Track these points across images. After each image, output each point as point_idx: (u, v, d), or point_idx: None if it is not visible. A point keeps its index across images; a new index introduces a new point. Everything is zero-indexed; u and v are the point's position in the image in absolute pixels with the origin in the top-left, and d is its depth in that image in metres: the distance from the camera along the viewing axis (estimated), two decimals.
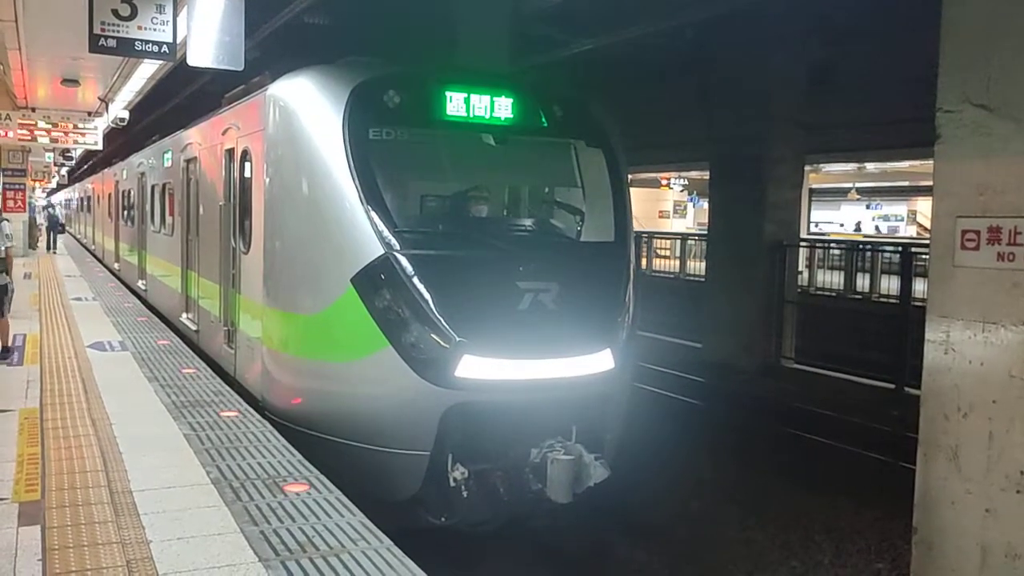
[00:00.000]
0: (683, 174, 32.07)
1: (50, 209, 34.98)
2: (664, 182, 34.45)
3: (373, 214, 6.09)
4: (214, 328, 8.94)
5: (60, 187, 50.52)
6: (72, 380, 7.36)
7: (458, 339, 5.85)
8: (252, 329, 7.45)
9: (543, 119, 7.10)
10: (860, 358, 11.77)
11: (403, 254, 6.04)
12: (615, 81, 14.61)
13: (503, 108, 6.79)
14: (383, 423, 6.02)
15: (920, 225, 39.77)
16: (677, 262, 22.43)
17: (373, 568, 3.73)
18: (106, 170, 23.03)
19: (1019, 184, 4.85)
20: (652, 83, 16.34)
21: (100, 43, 7.36)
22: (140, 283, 15.12)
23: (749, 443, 9.80)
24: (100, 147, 19.47)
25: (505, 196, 7.88)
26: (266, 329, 7.04)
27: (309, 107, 6.58)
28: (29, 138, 17.78)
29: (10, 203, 22.35)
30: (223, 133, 8.66)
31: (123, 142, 23.90)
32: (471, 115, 6.69)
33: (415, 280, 6.00)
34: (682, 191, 36.50)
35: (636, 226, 7.93)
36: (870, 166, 27.84)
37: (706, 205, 17.55)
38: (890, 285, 15.80)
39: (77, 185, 37.44)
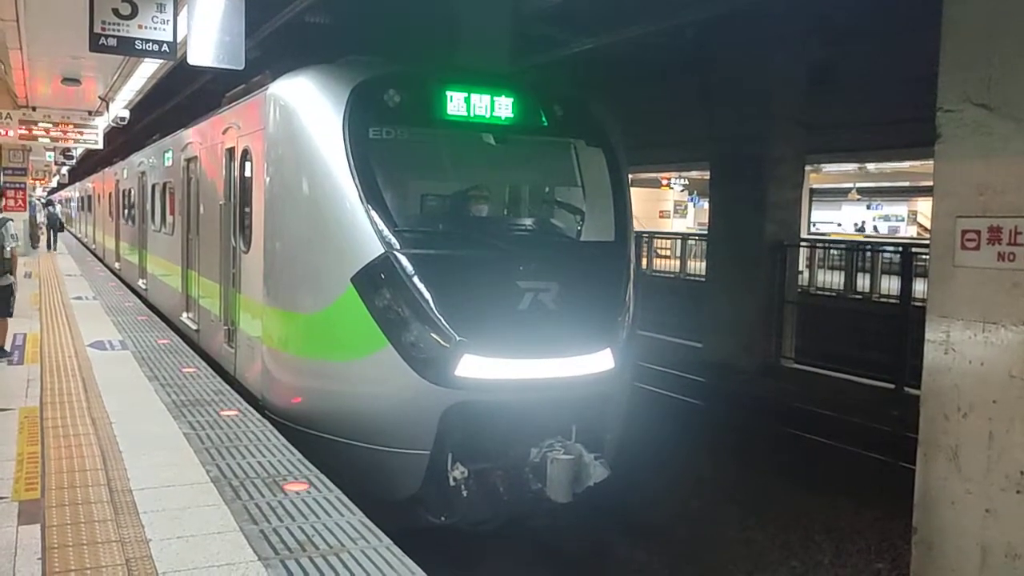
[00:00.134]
0: (684, 174, 32.07)
1: (50, 208, 34.97)
2: (665, 182, 34.46)
3: (373, 213, 6.09)
4: (214, 327, 8.94)
5: (61, 186, 50.52)
6: (72, 379, 7.36)
7: (458, 338, 5.85)
8: (252, 328, 7.45)
9: (543, 118, 7.10)
10: (860, 358, 11.77)
11: (403, 253, 6.04)
12: (616, 80, 14.61)
13: (503, 107, 6.78)
14: (383, 422, 6.02)
15: (920, 225, 39.77)
16: (677, 262, 22.43)
17: (373, 567, 3.72)
18: (106, 169, 23.04)
19: (1019, 184, 4.85)
20: (653, 82, 16.34)
21: (100, 42, 7.35)
22: (140, 282, 15.12)
23: (749, 443, 9.80)
24: (101, 146, 19.46)
25: (505, 195, 7.87)
26: (266, 328, 7.04)
27: (309, 106, 6.57)
28: (29, 137, 17.78)
29: (10, 202, 22.31)
30: (223, 132, 8.66)
31: (124, 141, 23.91)
32: (471, 114, 6.68)
33: (415, 279, 6.00)
34: (683, 191, 36.49)
35: (636, 226, 7.93)
36: (871, 166, 27.84)
37: (706, 205, 17.55)
38: (890, 285, 15.81)
39: (78, 184, 37.45)
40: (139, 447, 5.37)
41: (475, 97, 6.67)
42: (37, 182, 37.36)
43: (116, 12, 7.33)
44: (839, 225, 44.37)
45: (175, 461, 5.12)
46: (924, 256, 9.78)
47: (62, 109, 17.49)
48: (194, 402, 6.62)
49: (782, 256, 12.80)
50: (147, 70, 12.66)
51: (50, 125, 17.68)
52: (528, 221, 7.53)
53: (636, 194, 9.63)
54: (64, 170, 37.49)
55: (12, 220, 8.84)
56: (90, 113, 17.58)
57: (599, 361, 6.35)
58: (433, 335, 5.89)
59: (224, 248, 8.49)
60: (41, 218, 30.38)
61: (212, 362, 8.59)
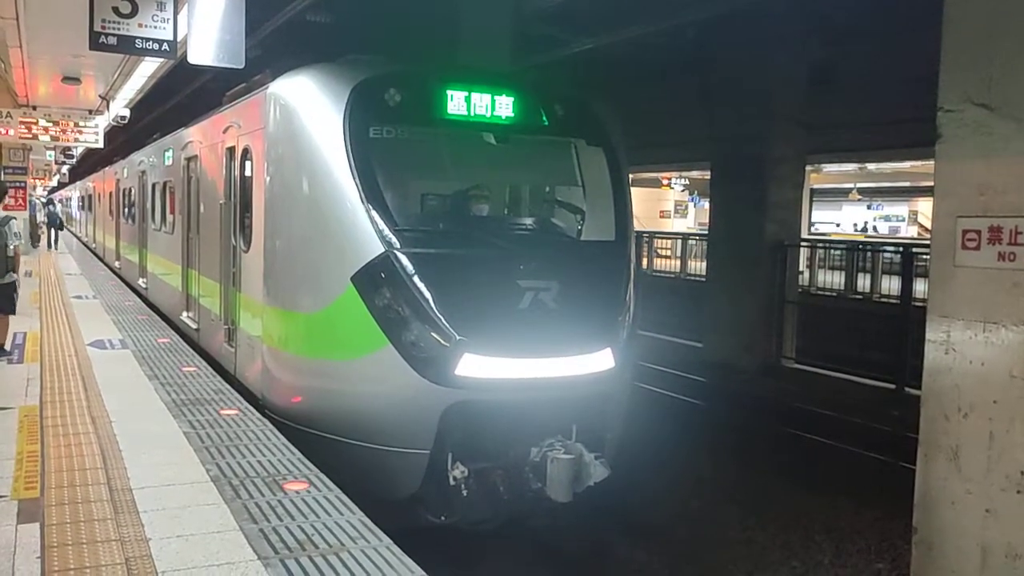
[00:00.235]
0: (684, 174, 32.07)
1: (50, 207, 34.94)
2: (665, 182, 34.46)
3: (373, 212, 6.09)
4: (214, 326, 8.94)
5: (61, 185, 50.52)
6: (72, 378, 7.35)
7: (458, 338, 5.85)
8: (252, 327, 7.45)
9: (544, 118, 7.09)
10: (861, 358, 11.75)
11: (403, 252, 6.04)
12: (616, 80, 14.59)
13: (504, 107, 6.78)
14: (383, 421, 6.02)
15: (921, 225, 39.77)
16: (678, 262, 22.43)
17: (372, 566, 3.72)
18: (107, 168, 23.04)
19: (1020, 184, 4.85)
20: (653, 82, 16.33)
21: (101, 41, 7.36)
22: (141, 281, 15.12)
23: (749, 443, 9.80)
24: (101, 145, 19.46)
25: (506, 195, 7.88)
26: (266, 327, 7.04)
27: (310, 105, 6.57)
28: (30, 136, 17.78)
29: (11, 201, 22.31)
30: (224, 131, 8.66)
31: (124, 140, 23.92)
32: (472, 114, 6.68)
33: (415, 278, 6.00)
34: (683, 191, 36.49)
35: (637, 226, 7.93)
36: (871, 166, 27.84)
37: (707, 205, 17.55)
38: (891, 285, 15.80)
39: (78, 183, 37.45)
40: (139, 446, 5.37)
41: (476, 96, 6.66)
42: (37, 181, 37.32)
43: (116, 10, 7.33)
44: (838, 225, 44.36)
45: (175, 460, 5.11)
46: (924, 256, 9.77)
47: (62, 108, 17.50)
48: (194, 401, 6.62)
49: (783, 256, 12.79)
50: (147, 69, 12.67)
51: (50, 124, 17.68)
52: (528, 220, 7.53)
53: (636, 194, 9.63)
54: (64, 169, 37.51)
55: (15, 218, 8.84)
56: (90, 112, 17.59)
57: (599, 360, 6.34)
58: (433, 334, 5.89)
59: (224, 247, 8.49)
60: (41, 217, 30.38)
61: (212, 361, 8.59)
